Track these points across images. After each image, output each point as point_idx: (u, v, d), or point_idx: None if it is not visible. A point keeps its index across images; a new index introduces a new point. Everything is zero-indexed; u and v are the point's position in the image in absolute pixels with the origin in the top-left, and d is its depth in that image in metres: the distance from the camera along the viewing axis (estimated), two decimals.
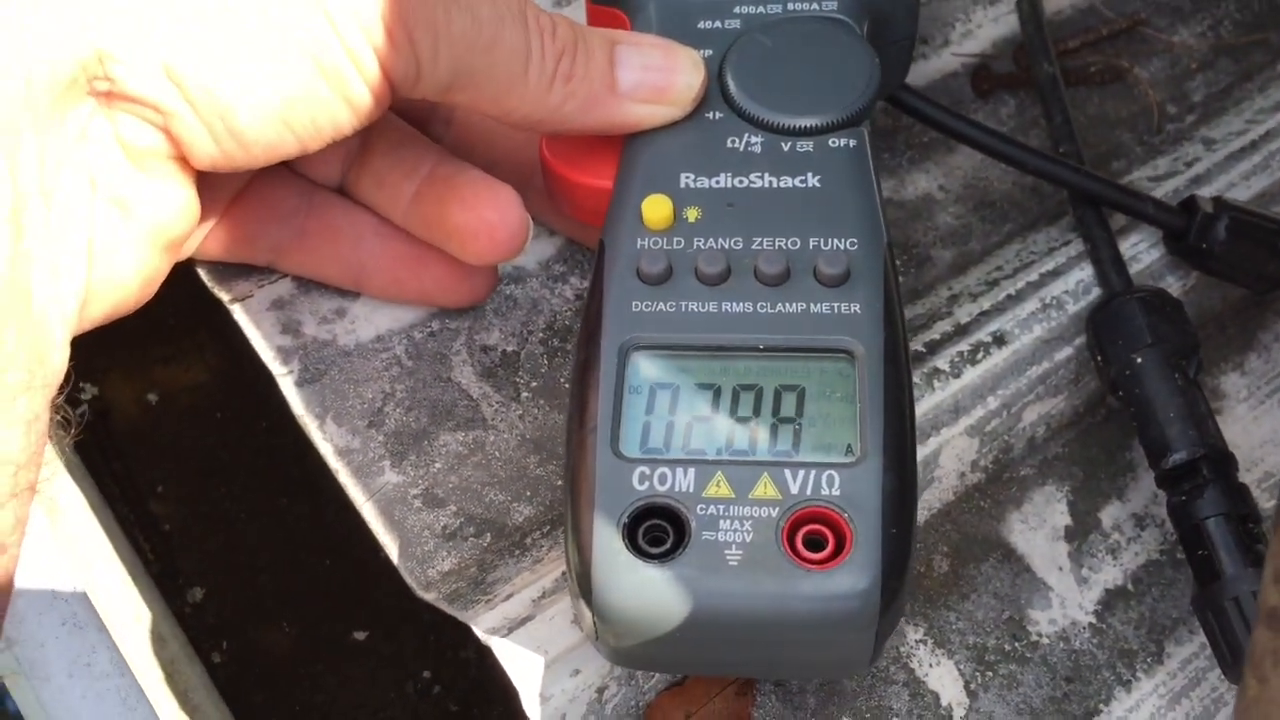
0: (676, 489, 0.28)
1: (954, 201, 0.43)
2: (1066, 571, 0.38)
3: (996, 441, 0.38)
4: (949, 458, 0.37)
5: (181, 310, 0.49)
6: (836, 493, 0.27)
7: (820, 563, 0.27)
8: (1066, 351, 0.39)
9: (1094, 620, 0.37)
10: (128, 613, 0.41)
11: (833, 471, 0.28)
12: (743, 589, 0.26)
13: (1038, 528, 0.38)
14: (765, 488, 0.28)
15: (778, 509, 0.27)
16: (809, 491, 0.27)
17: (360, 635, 0.46)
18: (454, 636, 0.41)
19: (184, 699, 0.41)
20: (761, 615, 0.27)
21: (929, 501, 0.38)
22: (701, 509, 0.27)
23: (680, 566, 0.27)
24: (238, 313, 0.35)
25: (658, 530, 0.27)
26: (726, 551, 0.27)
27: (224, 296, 0.36)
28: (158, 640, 0.42)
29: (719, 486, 0.28)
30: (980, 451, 0.38)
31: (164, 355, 0.48)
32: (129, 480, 0.46)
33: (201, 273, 0.36)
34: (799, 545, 0.27)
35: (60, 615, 0.34)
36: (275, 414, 0.36)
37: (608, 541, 0.27)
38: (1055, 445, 0.40)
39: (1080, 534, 0.38)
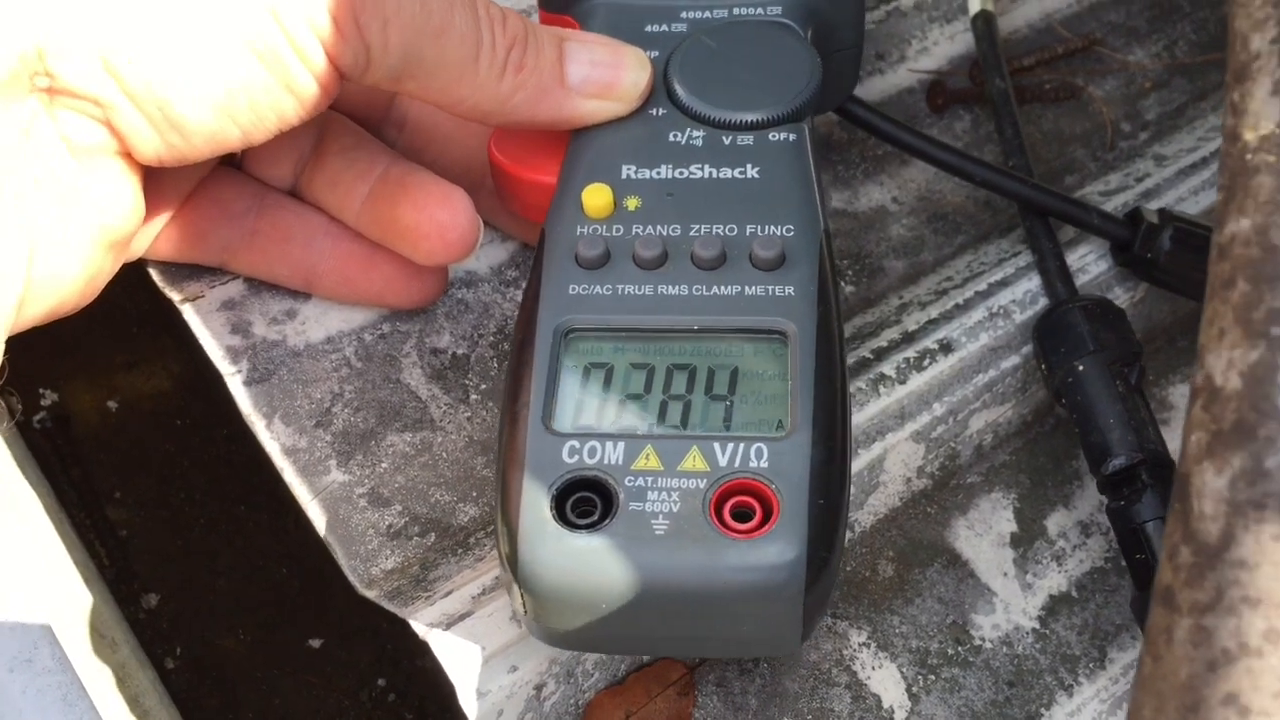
0: (606, 461, 0.28)
1: (907, 213, 0.44)
2: (1011, 577, 0.38)
3: (943, 448, 0.39)
4: (894, 463, 0.37)
5: (145, 317, 0.49)
6: (765, 465, 0.28)
7: (747, 533, 0.27)
8: (1013, 360, 0.39)
9: (1037, 625, 0.37)
10: (78, 615, 0.41)
11: (762, 444, 0.28)
12: (668, 558, 0.27)
13: (983, 534, 0.39)
14: (694, 460, 0.28)
15: (705, 480, 0.27)
16: (737, 463, 0.28)
17: (316, 643, 0.46)
18: (411, 646, 0.41)
19: (134, 703, 0.41)
20: (687, 584, 0.27)
21: (875, 506, 0.38)
22: (630, 480, 0.27)
23: (606, 536, 0.27)
24: (188, 313, 0.36)
25: (586, 503, 0.27)
26: (653, 521, 0.27)
27: (175, 297, 0.36)
28: (108, 644, 0.42)
29: (648, 459, 0.28)
30: (926, 458, 0.38)
31: (126, 362, 0.49)
32: (87, 486, 0.46)
33: (153, 273, 0.36)
34: (726, 516, 0.27)
35: (3, 612, 0.35)
36: (235, 422, 0.36)
37: (536, 513, 0.27)
38: (1002, 453, 0.40)
39: (1025, 541, 0.39)
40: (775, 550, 0.27)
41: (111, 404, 0.48)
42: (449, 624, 0.31)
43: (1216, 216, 0.20)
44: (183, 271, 0.36)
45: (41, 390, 0.48)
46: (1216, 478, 0.19)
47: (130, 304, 0.48)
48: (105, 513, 0.46)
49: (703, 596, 0.27)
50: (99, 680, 0.40)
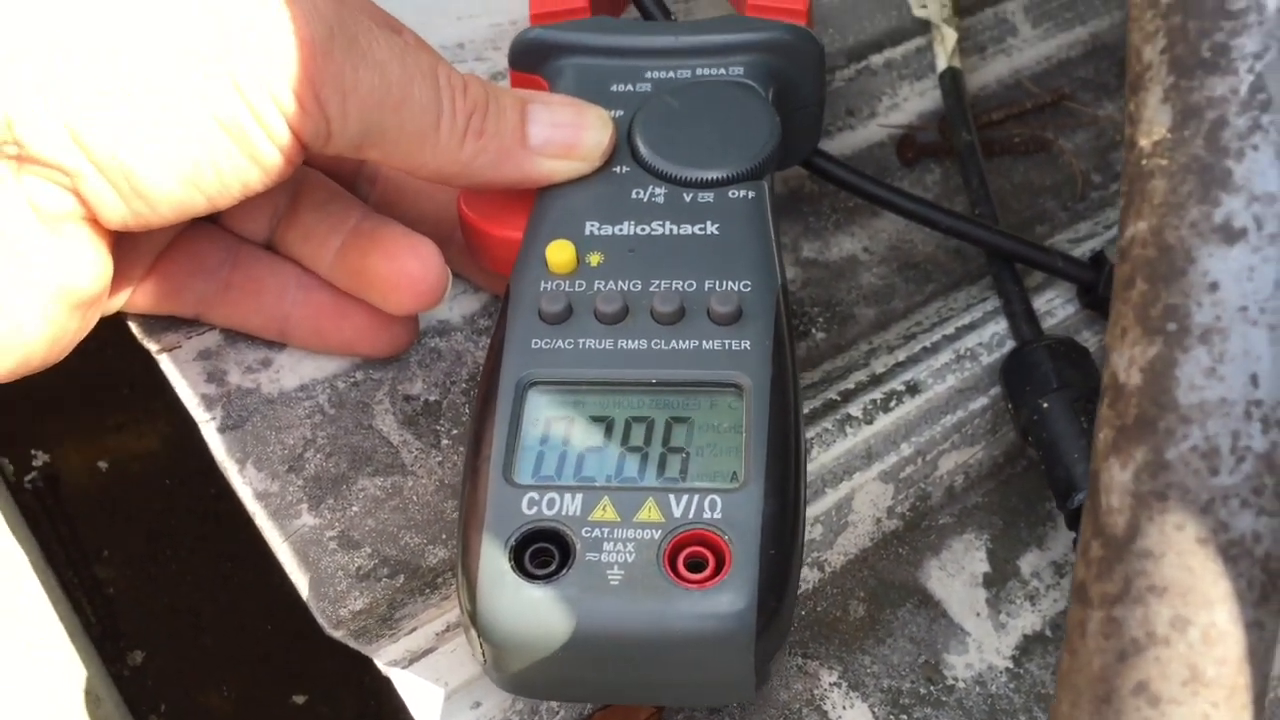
0: (564, 513, 0.28)
1: (878, 263, 0.45)
2: (984, 617, 0.38)
3: (913, 489, 0.39)
4: (863, 503, 0.38)
5: (136, 381, 0.50)
6: (718, 516, 0.28)
7: (700, 582, 0.27)
8: (981, 401, 0.40)
9: (1011, 665, 0.37)
10: (62, 671, 0.42)
11: (715, 496, 0.28)
12: (622, 607, 0.27)
13: (956, 574, 0.39)
14: (649, 511, 0.28)
15: (660, 531, 0.28)
16: (691, 515, 0.28)
17: (300, 699, 0.46)
18: (396, 702, 0.41)
19: None
20: (640, 633, 0.27)
21: (845, 546, 0.38)
22: (587, 531, 0.28)
23: (563, 586, 0.27)
24: (165, 363, 0.37)
25: (544, 554, 0.28)
26: (608, 572, 0.27)
27: (152, 347, 0.37)
28: (92, 699, 0.42)
29: (605, 510, 0.28)
30: (896, 498, 0.39)
31: (117, 424, 0.50)
32: (75, 544, 0.47)
33: (131, 325, 0.37)
34: (680, 566, 0.28)
35: None
36: (222, 481, 0.37)
37: (494, 562, 0.28)
38: (975, 495, 0.41)
39: (999, 581, 0.39)
40: (727, 599, 0.27)
41: (102, 464, 0.49)
42: (412, 660, 0.32)
43: (1120, 222, 0.20)
44: (161, 323, 0.37)
45: (33, 451, 0.49)
46: (1122, 471, 0.19)
47: (123, 368, 0.49)
48: (93, 571, 0.47)
49: (656, 645, 0.28)
50: None
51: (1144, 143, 0.20)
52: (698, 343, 0.31)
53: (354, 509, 0.35)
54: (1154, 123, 0.20)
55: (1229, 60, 0.19)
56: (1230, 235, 0.19)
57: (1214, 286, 0.19)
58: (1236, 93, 0.19)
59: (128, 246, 0.34)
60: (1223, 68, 0.19)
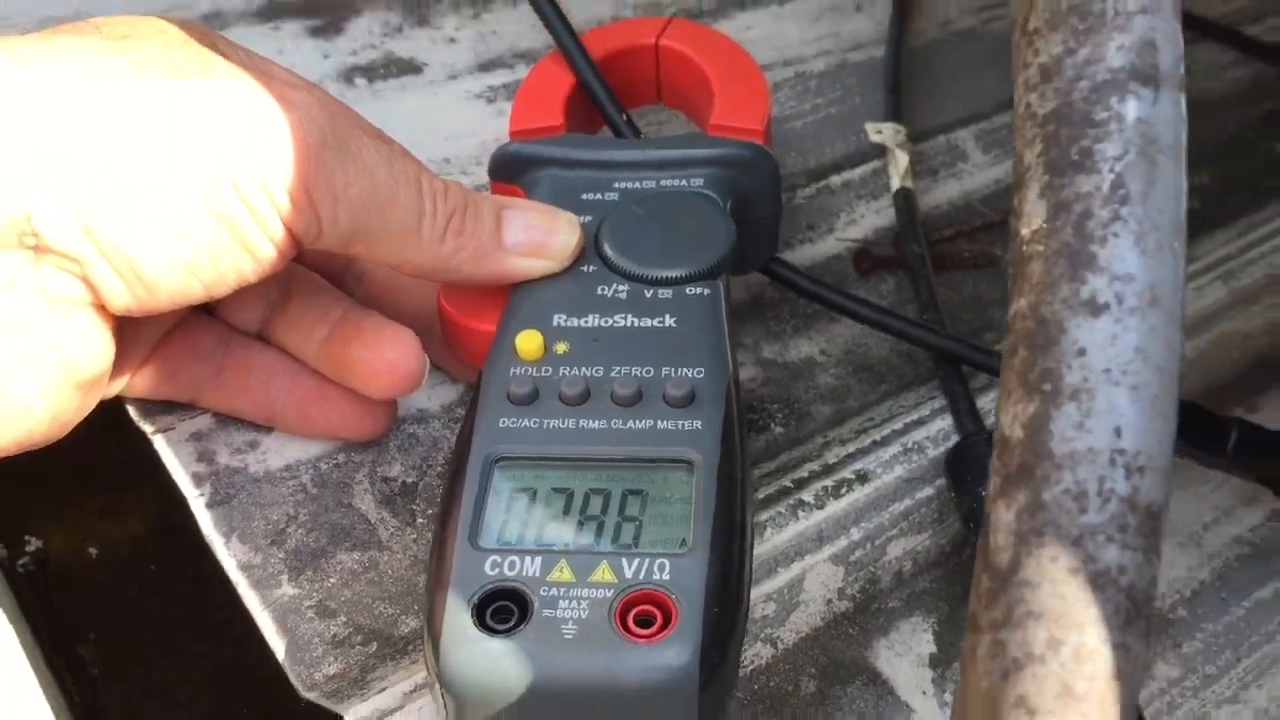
0: (524, 574, 0.31)
1: (834, 364, 0.48)
2: (930, 695, 0.40)
3: (862, 572, 0.41)
4: (814, 583, 0.40)
5: (126, 468, 0.52)
6: (666, 577, 0.31)
7: (647, 637, 0.30)
8: (927, 491, 0.42)
9: None
10: None
11: (665, 559, 0.31)
12: (575, 659, 0.29)
13: (903, 654, 0.41)
14: (603, 573, 0.31)
15: (612, 590, 0.30)
16: (641, 576, 0.31)
17: None
18: None
19: None
20: (591, 683, 0.29)
21: (797, 625, 0.40)
22: (544, 590, 0.30)
23: (521, 639, 0.30)
24: (159, 443, 0.39)
25: (505, 611, 0.30)
26: (563, 626, 0.30)
27: (148, 429, 0.39)
28: None
29: (562, 572, 0.31)
30: (846, 580, 0.41)
31: (102, 508, 0.52)
32: (58, 625, 0.48)
33: (130, 408, 0.40)
34: (630, 622, 0.30)
35: None
36: (201, 566, 0.39)
37: (458, 619, 0.30)
38: (923, 580, 0.43)
39: (945, 661, 0.41)
40: (672, 653, 0.30)
41: (91, 550, 0.51)
42: (381, 718, 0.33)
43: (1007, 300, 0.23)
44: (157, 407, 0.40)
45: (27, 537, 0.51)
46: (1006, 512, 0.22)
47: (112, 455, 0.51)
48: (78, 651, 0.48)
49: (605, 695, 0.30)
50: None
51: (1025, 232, 0.23)
52: (653, 423, 0.34)
53: (332, 580, 0.37)
54: (1032, 215, 0.23)
55: (1094, 162, 0.22)
56: (1095, 309, 0.22)
57: (1082, 352, 0.21)
58: (1100, 189, 0.22)
59: (129, 334, 0.37)
60: (1088, 168, 0.22)
